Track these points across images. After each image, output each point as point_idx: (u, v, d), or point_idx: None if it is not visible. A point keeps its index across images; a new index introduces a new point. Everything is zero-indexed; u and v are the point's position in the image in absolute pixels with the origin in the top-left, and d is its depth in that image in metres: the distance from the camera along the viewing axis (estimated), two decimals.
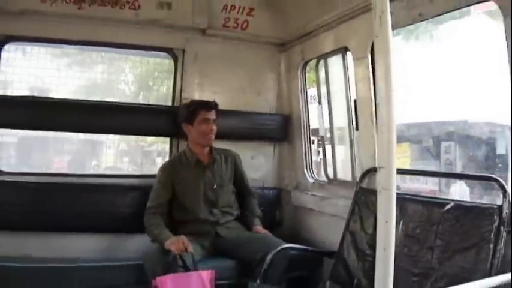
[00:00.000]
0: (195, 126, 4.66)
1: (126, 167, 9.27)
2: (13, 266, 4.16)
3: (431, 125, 7.30)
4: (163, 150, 5.71)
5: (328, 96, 4.93)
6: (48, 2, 4.79)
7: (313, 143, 5.45)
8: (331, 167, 5.06)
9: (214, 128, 4.67)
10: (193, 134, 4.71)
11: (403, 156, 6.65)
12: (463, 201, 3.26)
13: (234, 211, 4.78)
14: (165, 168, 4.77)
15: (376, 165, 1.73)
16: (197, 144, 4.73)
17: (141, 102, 8.17)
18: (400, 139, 6.82)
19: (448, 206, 3.22)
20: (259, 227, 4.60)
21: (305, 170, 5.32)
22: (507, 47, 2.88)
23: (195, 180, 4.64)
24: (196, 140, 4.71)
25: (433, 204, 3.39)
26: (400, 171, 4.01)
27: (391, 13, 3.38)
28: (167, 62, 5.84)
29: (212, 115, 4.68)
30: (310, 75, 5.59)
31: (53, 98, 5.30)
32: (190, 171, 4.67)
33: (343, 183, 4.67)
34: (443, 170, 6.91)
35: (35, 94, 5.84)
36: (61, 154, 9.19)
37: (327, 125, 5.06)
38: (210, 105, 4.70)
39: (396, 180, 3.85)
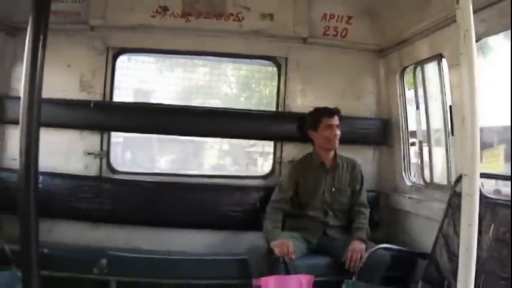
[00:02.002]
0: (319, 132, 5.03)
1: (229, 167, 9.49)
2: (124, 256, 4.68)
3: None
4: (264, 151, 5.92)
5: (425, 101, 5.06)
6: (158, 17, 5.39)
7: (412, 145, 5.48)
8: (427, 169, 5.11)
9: (338, 133, 5.02)
10: (318, 139, 5.07)
11: (494, 160, 6.48)
12: None
13: (347, 217, 5.04)
14: (292, 166, 5.23)
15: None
16: (322, 148, 5.09)
17: (243, 105, 8.38)
18: (496, 142, 6.67)
19: None
20: (356, 241, 4.59)
21: (403, 173, 5.45)
22: None
23: (316, 180, 5.02)
24: (321, 144, 5.08)
25: None
26: (484, 176, 4.06)
27: (483, 21, 3.47)
28: (269, 69, 6.04)
29: (335, 121, 5.02)
30: (408, 79, 5.61)
31: (163, 104, 5.88)
32: (313, 172, 5.05)
33: (439, 186, 4.83)
34: None
35: (140, 97, 6.35)
36: (165, 154, 9.47)
37: (424, 128, 5.17)
38: (332, 112, 5.05)
39: (483, 184, 3.88)
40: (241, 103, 8.45)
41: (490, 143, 6.67)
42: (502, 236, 3.42)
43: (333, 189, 4.97)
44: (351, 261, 4.36)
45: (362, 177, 5.14)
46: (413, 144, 5.37)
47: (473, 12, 3.64)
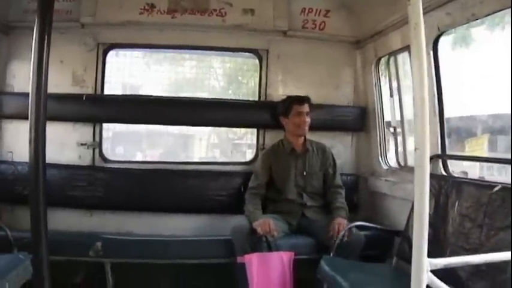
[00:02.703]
0: (290, 119, 5.30)
1: (217, 158, 9.59)
2: (118, 239, 4.98)
3: None
4: (253, 143, 6.14)
5: (399, 90, 5.26)
6: (146, 14, 5.65)
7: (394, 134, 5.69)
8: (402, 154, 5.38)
9: (308, 120, 5.28)
10: (289, 125, 5.35)
11: (478, 149, 6.67)
12: (508, 184, 3.52)
13: (322, 198, 5.31)
14: (265, 154, 5.49)
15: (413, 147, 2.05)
16: (293, 134, 5.36)
17: (231, 95, 8.56)
18: (481, 130, 6.85)
19: (496, 188, 3.54)
20: (340, 219, 4.83)
21: (380, 157, 5.73)
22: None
23: (288, 166, 5.29)
24: (291, 131, 5.35)
25: (484, 186, 3.71)
26: (452, 157, 4.35)
27: (448, 14, 3.72)
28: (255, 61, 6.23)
29: (305, 108, 5.28)
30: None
31: (152, 96, 6.17)
32: (285, 157, 5.32)
33: (412, 169, 4.94)
34: None
35: (129, 91, 6.59)
36: (154, 147, 9.54)
37: (398, 117, 5.38)
38: (302, 100, 5.32)
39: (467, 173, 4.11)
40: (229, 95, 8.62)
41: (473, 132, 6.86)
42: (466, 211, 3.72)
43: (305, 173, 5.23)
44: (338, 232, 4.60)
45: (334, 160, 5.39)
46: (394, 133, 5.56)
47: (439, 6, 3.96)
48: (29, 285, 3.86)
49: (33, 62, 2.21)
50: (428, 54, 4.40)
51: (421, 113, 1.87)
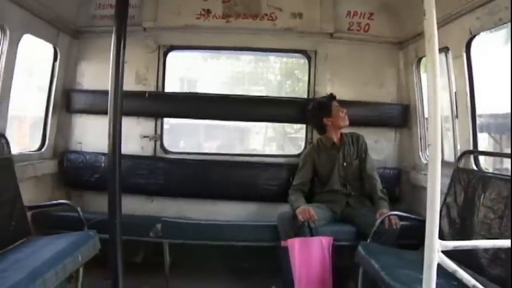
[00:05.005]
0: (333, 115, 5.59)
1: (273, 152, 9.72)
2: (175, 222, 5.44)
3: None
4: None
5: None
6: (202, 18, 6.07)
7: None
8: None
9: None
10: (334, 122, 5.62)
11: None
12: None
13: (361, 185, 5.58)
14: (308, 152, 5.82)
15: (427, 142, 2.17)
16: (338, 128, 5.65)
17: (287, 89, 8.80)
18: None
19: None
20: (385, 210, 5.04)
21: (420, 152, 5.92)
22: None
23: (331, 159, 5.62)
24: (337, 125, 5.63)
25: (507, 181, 3.91)
26: (481, 153, 4.58)
27: (478, 18, 3.90)
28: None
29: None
30: None
31: (208, 93, 6.60)
32: (327, 152, 5.66)
33: (447, 163, 5.12)
34: None
35: (190, 86, 6.93)
36: (212, 139, 9.80)
37: None
38: (335, 97, 5.67)
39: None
40: (285, 89, 8.82)
41: None
42: (490, 203, 3.96)
43: (345, 164, 5.53)
44: (390, 220, 4.79)
45: (366, 145, 5.63)
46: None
47: (470, 11, 4.16)
48: (96, 258, 4.35)
49: (112, 64, 2.52)
50: (461, 55, 4.60)
51: (434, 115, 2.08)
